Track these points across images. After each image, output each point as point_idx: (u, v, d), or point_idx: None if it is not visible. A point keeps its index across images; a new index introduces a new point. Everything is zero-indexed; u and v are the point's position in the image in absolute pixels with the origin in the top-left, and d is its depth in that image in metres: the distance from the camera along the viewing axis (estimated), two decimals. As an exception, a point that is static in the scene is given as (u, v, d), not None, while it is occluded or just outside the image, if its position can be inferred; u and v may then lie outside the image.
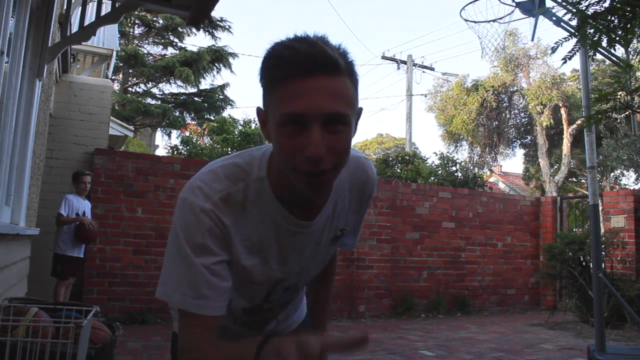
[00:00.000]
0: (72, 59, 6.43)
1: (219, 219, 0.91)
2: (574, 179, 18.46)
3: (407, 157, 10.76)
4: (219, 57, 16.07)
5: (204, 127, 15.57)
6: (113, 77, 14.61)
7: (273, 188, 0.95)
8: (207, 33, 16.67)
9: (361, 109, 0.92)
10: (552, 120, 15.43)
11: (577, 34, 2.78)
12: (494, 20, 5.26)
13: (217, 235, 0.91)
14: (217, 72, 16.46)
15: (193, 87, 16.26)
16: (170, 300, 0.93)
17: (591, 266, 4.85)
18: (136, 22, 16.56)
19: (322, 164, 0.82)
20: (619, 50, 4.35)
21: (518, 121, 17.53)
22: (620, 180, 16.34)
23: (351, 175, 1.04)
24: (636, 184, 14.18)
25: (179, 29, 16.40)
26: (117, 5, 4.16)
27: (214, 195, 0.92)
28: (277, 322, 1.22)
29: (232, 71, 16.90)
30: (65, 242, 4.81)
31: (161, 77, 15.72)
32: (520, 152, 23.97)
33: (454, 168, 10.13)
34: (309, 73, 0.79)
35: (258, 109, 0.92)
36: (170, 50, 16.97)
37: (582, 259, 6.47)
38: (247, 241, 0.96)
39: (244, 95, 69.73)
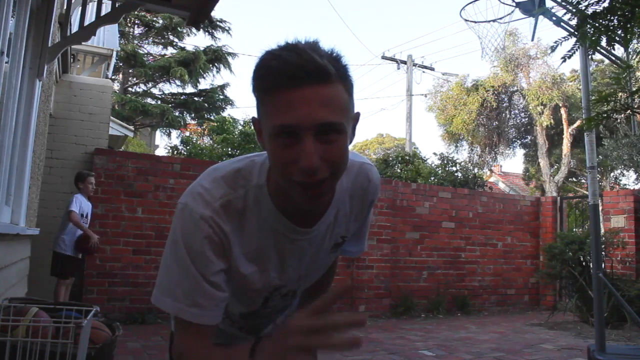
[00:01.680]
0: (72, 59, 6.44)
1: (218, 226, 0.91)
2: (574, 179, 18.45)
3: (407, 157, 10.76)
4: (218, 57, 16.06)
5: (204, 127, 15.57)
6: (113, 77, 14.61)
7: (272, 195, 0.94)
8: (207, 33, 16.68)
9: (358, 113, 0.91)
10: (552, 120, 15.42)
11: (576, 33, 2.79)
12: (494, 20, 5.26)
13: (215, 242, 0.91)
14: (217, 72, 16.46)
15: (193, 87, 16.27)
16: (164, 306, 0.93)
17: (591, 266, 4.85)
18: (136, 22, 16.56)
19: (318, 174, 0.80)
20: (619, 51, 4.35)
21: (518, 121, 17.51)
22: (620, 180, 16.35)
23: (353, 182, 1.03)
24: (636, 184, 14.18)
25: (179, 28, 16.40)
26: (117, 5, 4.16)
27: (214, 202, 0.91)
28: (274, 326, 1.22)
29: (231, 71, 16.91)
30: (66, 241, 4.83)
31: (160, 77, 15.73)
32: (520, 152, 23.96)
33: (454, 168, 10.14)
34: (299, 83, 0.78)
35: (253, 118, 0.91)
36: (170, 50, 16.98)
37: (582, 259, 6.47)
38: (246, 249, 0.96)
39: (244, 95, 69.73)
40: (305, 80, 0.78)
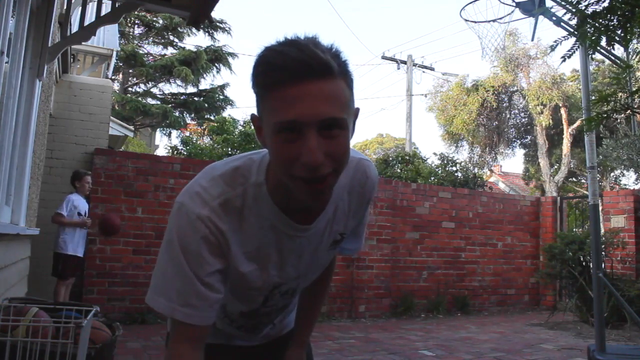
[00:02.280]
0: (72, 59, 6.44)
1: (215, 225, 0.90)
2: (574, 179, 18.44)
3: (407, 157, 10.76)
4: (218, 57, 16.08)
5: (204, 127, 15.57)
6: (113, 77, 14.61)
7: (271, 193, 0.94)
8: (206, 34, 16.69)
9: (358, 109, 0.90)
10: (552, 120, 15.42)
11: (576, 33, 2.79)
12: (494, 20, 5.25)
13: (212, 242, 0.90)
14: (217, 72, 16.48)
15: (193, 87, 16.28)
16: (157, 306, 0.92)
17: (591, 266, 4.85)
18: (136, 22, 16.56)
19: (321, 170, 0.80)
20: (619, 51, 4.36)
21: (518, 121, 17.51)
22: (620, 180, 16.35)
23: (351, 178, 1.02)
24: (636, 184, 14.20)
25: (179, 28, 16.41)
26: (117, 5, 4.16)
27: (212, 201, 0.91)
28: (272, 325, 1.22)
29: (232, 71, 16.92)
30: (66, 241, 4.84)
31: (160, 77, 15.73)
32: (520, 152, 23.98)
33: (454, 168, 10.14)
34: (302, 78, 0.77)
35: (252, 115, 0.90)
36: (170, 50, 16.99)
37: (582, 259, 6.47)
38: (245, 247, 0.95)
39: (244, 95, 69.76)
40: (308, 75, 0.77)
